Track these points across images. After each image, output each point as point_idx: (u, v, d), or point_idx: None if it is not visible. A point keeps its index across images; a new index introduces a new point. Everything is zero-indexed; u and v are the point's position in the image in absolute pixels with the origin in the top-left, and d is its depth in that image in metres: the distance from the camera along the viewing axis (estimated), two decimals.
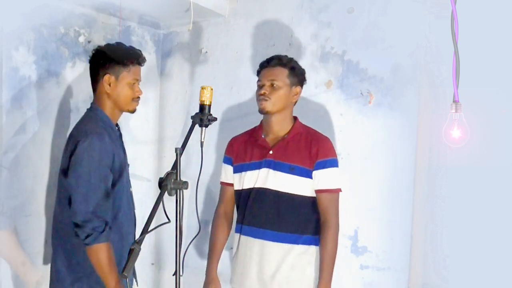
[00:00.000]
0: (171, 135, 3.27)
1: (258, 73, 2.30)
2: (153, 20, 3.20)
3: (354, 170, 2.61)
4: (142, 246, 1.57)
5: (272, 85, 2.20)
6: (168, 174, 1.64)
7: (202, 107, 1.89)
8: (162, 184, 1.64)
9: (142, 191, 3.11)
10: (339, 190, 2.25)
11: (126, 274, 1.50)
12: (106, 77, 2.09)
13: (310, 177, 2.21)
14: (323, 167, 2.20)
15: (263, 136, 2.30)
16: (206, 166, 2.88)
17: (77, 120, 2.20)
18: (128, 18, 3.03)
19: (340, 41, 2.67)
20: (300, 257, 2.22)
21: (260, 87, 2.24)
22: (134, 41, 3.08)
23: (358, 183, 2.59)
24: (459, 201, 2.37)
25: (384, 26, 2.54)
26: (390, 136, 2.53)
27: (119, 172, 2.08)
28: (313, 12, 2.76)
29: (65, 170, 2.03)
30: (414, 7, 2.45)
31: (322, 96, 2.71)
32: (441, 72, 2.38)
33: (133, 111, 2.19)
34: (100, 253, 1.93)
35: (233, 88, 3.01)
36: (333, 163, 2.23)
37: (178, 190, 1.65)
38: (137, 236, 1.76)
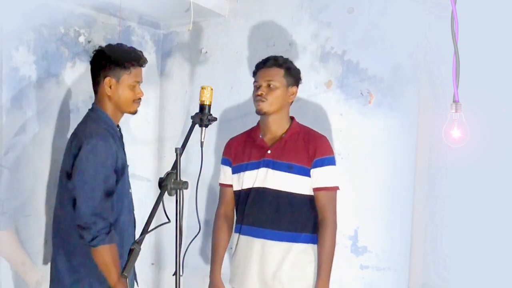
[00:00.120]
0: (171, 135, 3.27)
1: (254, 74, 2.31)
2: (153, 20, 3.20)
3: (354, 170, 2.61)
4: (142, 246, 1.57)
5: (268, 85, 2.22)
6: (168, 174, 1.64)
7: (202, 107, 1.89)
8: (162, 184, 1.64)
9: (142, 191, 3.11)
10: (337, 188, 2.26)
11: (126, 274, 1.50)
12: (107, 79, 2.09)
13: (309, 175, 2.22)
14: (321, 165, 2.21)
15: (261, 136, 2.31)
16: (206, 166, 2.88)
17: (77, 120, 2.20)
18: (128, 18, 3.03)
19: (340, 41, 2.67)
20: (300, 255, 2.23)
21: (256, 88, 2.26)
22: (134, 41, 3.08)
23: (358, 183, 2.59)
24: (459, 201, 2.37)
25: (384, 26, 2.54)
26: (390, 136, 2.53)
27: (121, 173, 2.08)
28: (313, 12, 2.76)
29: (68, 172, 2.03)
30: (414, 7, 2.45)
31: (322, 96, 2.71)
32: (441, 72, 2.38)
33: (134, 113, 2.19)
34: (106, 254, 1.94)
35: (233, 88, 3.02)
36: (331, 161, 2.24)
37: (178, 190, 1.65)
38: (137, 236, 1.76)
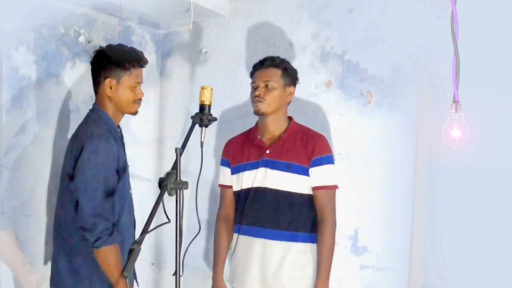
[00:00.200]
0: (171, 135, 3.27)
1: (252, 75, 2.32)
2: (153, 20, 3.20)
3: (354, 170, 2.61)
4: (142, 246, 1.57)
5: (266, 86, 2.23)
6: (168, 174, 1.64)
7: (202, 107, 1.89)
8: (162, 184, 1.64)
9: (142, 191, 3.11)
10: (336, 186, 2.26)
11: (126, 274, 1.50)
12: (107, 80, 2.09)
13: (307, 174, 2.23)
14: (319, 164, 2.22)
15: (259, 137, 2.32)
16: (206, 166, 2.88)
17: (78, 120, 2.20)
18: (128, 18, 3.03)
19: (340, 41, 2.67)
20: (300, 255, 2.23)
21: (254, 88, 2.27)
22: (134, 41, 3.08)
23: (358, 183, 2.59)
24: (459, 201, 2.37)
25: (384, 26, 2.54)
26: (390, 136, 2.53)
27: (122, 173, 2.09)
28: (313, 12, 2.76)
29: (70, 173, 2.03)
30: (414, 7, 2.45)
31: (322, 96, 2.71)
32: (441, 72, 2.38)
33: (135, 113, 2.19)
34: (109, 255, 1.94)
35: (233, 88, 3.02)
36: (329, 160, 2.25)
37: (178, 190, 1.65)
38: (137, 236, 1.76)
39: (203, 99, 1.90)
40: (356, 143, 2.61)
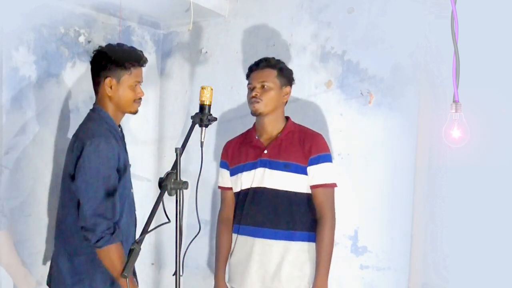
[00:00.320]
0: (171, 135, 3.27)
1: (248, 76, 2.34)
2: (153, 20, 3.20)
3: (354, 170, 2.61)
4: (142, 246, 1.57)
5: (262, 86, 2.25)
6: (168, 174, 1.64)
7: (202, 107, 1.89)
8: (162, 184, 1.63)
9: (142, 191, 3.11)
10: (334, 185, 2.26)
11: (126, 274, 1.50)
12: (107, 80, 2.09)
13: (305, 173, 2.23)
14: (317, 163, 2.23)
15: (257, 137, 2.33)
16: (206, 166, 2.88)
17: (78, 120, 2.20)
18: (128, 18, 3.03)
19: (340, 41, 2.67)
20: (299, 253, 2.24)
21: (251, 89, 2.29)
22: (134, 41, 3.08)
23: (358, 183, 2.59)
24: (459, 201, 2.37)
25: (384, 26, 2.54)
26: (390, 136, 2.53)
27: (123, 173, 2.09)
28: (313, 12, 2.76)
29: (71, 174, 2.02)
30: (414, 7, 2.45)
31: (322, 96, 2.71)
32: (441, 72, 2.37)
33: (135, 112, 2.19)
34: (112, 254, 1.94)
35: (233, 88, 3.02)
36: (327, 158, 2.25)
37: (178, 190, 1.65)
38: (137, 236, 1.76)
39: (203, 99, 1.90)
40: (356, 143, 2.61)
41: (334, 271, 2.24)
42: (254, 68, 2.32)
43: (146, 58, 2.18)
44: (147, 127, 3.26)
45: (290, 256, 2.22)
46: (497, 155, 2.20)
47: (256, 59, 2.39)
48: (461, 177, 2.32)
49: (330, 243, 2.21)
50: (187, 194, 1.81)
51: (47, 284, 2.17)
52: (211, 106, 1.90)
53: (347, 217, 2.53)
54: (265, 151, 2.28)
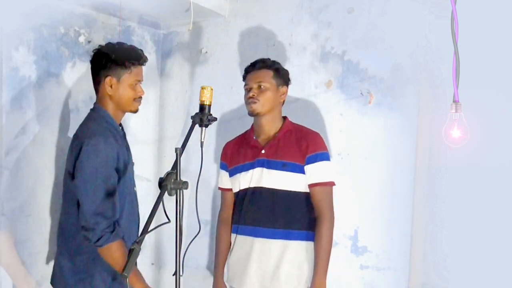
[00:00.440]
0: (171, 135, 3.27)
1: (244, 78, 2.36)
2: (153, 20, 3.20)
3: (354, 170, 2.61)
4: (142, 246, 1.57)
5: (259, 87, 2.27)
6: (168, 174, 1.64)
7: (202, 107, 1.90)
8: (162, 184, 1.64)
9: (142, 191, 3.10)
10: (332, 183, 2.27)
11: (126, 274, 1.50)
12: (108, 79, 2.09)
13: (303, 172, 2.24)
14: (314, 161, 2.23)
15: (254, 138, 2.34)
16: (206, 166, 2.88)
17: (78, 120, 2.20)
18: (128, 18, 3.03)
19: (340, 41, 2.67)
20: (297, 252, 2.24)
21: (247, 90, 2.31)
22: (134, 41, 3.08)
23: (358, 183, 2.59)
24: (459, 201, 2.37)
25: (384, 26, 2.54)
26: (390, 136, 2.53)
27: (123, 172, 2.08)
28: (313, 12, 2.76)
29: (71, 173, 2.03)
30: (414, 7, 2.45)
31: (322, 96, 2.71)
32: (441, 72, 2.37)
33: (135, 111, 2.19)
34: (114, 252, 1.94)
35: (233, 88, 3.02)
36: (324, 157, 2.26)
37: (178, 190, 1.65)
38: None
39: (203, 99, 1.90)
40: (356, 143, 2.61)
41: (334, 271, 2.24)
42: (250, 69, 2.34)
43: (146, 57, 2.18)
44: (147, 127, 3.27)
45: (289, 255, 2.23)
46: (497, 155, 2.20)
47: (256, 59, 2.39)
48: (461, 177, 2.32)
49: (329, 242, 2.21)
50: (187, 194, 1.81)
51: (51, 283, 2.17)
52: (211, 106, 1.91)
53: (347, 217, 2.53)
54: (263, 151, 2.28)
